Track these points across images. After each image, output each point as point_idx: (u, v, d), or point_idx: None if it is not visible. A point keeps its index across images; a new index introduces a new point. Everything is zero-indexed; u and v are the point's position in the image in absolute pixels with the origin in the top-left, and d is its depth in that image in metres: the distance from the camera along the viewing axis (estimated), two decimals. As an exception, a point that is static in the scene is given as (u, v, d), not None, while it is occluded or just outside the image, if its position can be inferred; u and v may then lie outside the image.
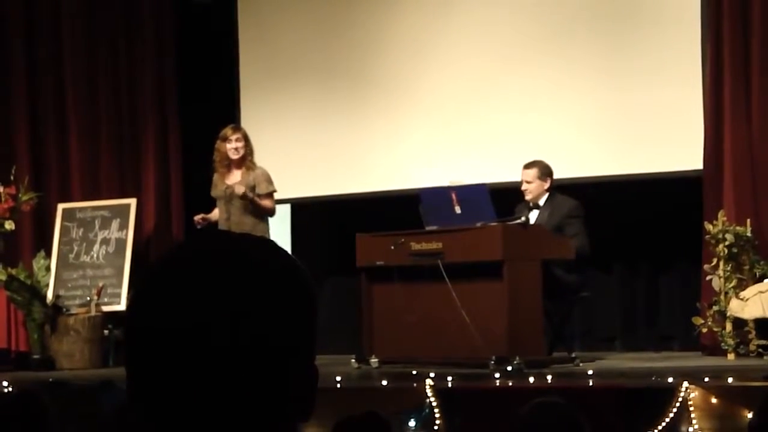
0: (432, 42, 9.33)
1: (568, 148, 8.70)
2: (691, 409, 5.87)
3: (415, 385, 6.49)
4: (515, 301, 7.13)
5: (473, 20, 9.18)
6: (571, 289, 7.70)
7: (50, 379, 7.66)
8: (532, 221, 7.70)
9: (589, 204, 7.97)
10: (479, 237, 7.30)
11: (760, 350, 7.63)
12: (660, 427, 5.86)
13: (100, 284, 9.20)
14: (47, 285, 9.25)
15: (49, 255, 9.47)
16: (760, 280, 7.78)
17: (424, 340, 7.46)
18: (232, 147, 8.38)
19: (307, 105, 9.78)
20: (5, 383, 7.29)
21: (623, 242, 8.83)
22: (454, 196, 7.54)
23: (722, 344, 7.78)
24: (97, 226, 9.54)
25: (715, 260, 7.89)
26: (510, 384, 6.49)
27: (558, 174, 8.10)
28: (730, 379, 6.17)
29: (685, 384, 5.94)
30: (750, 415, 4.52)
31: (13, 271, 9.07)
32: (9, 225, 9.25)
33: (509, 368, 6.88)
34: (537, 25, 8.98)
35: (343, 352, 8.37)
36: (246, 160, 8.42)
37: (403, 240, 7.57)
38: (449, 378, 6.58)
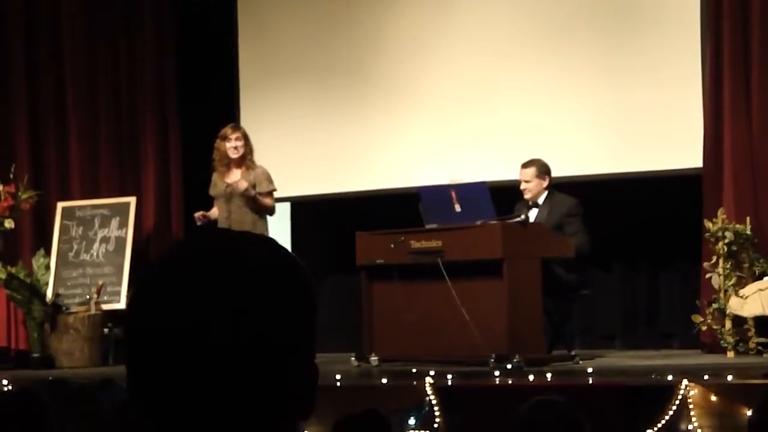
0: (431, 40, 9.33)
1: (568, 147, 8.70)
2: (691, 406, 5.88)
3: (415, 383, 6.50)
4: (515, 299, 7.13)
5: (472, 18, 9.18)
6: (570, 287, 7.71)
7: (50, 378, 7.67)
8: (531, 220, 7.70)
9: (589, 202, 7.97)
10: (479, 235, 7.30)
11: (760, 348, 7.63)
12: (660, 425, 5.86)
13: (100, 282, 9.20)
14: (47, 283, 9.25)
15: (48, 253, 9.48)
16: (760, 277, 7.78)
17: (424, 339, 7.46)
18: (232, 146, 8.39)
19: (306, 104, 9.78)
20: (5, 381, 7.29)
21: (623, 240, 8.83)
22: (453, 195, 7.54)
23: (722, 342, 7.78)
24: (96, 225, 9.54)
25: (714, 258, 7.90)
26: (510, 382, 6.49)
27: (558, 172, 8.10)
28: (729, 377, 6.17)
29: (685, 382, 5.94)
30: (749, 413, 4.53)
31: (13, 270, 9.07)
32: (9, 223, 9.25)
33: (509, 366, 6.88)
34: (536, 23, 8.98)
35: (343, 350, 8.37)
36: (246, 159, 8.43)
37: (402, 238, 7.57)
38: (449, 376, 6.58)
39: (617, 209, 8.72)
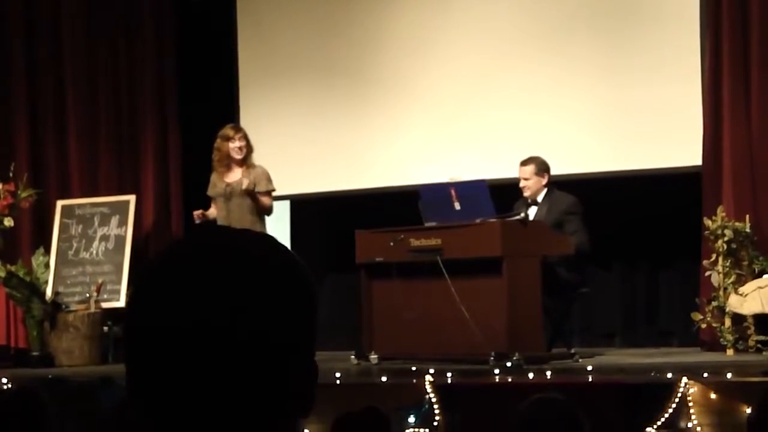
0: (431, 39, 9.33)
1: (568, 145, 8.70)
2: (690, 404, 5.88)
3: (414, 381, 6.50)
4: (514, 297, 7.13)
5: (472, 17, 9.17)
6: (570, 285, 7.71)
7: (49, 376, 7.67)
8: (530, 218, 7.70)
9: (588, 200, 7.97)
10: (478, 233, 7.30)
11: (759, 346, 7.63)
12: (659, 423, 5.87)
13: (100, 281, 9.20)
14: (46, 282, 9.25)
15: (48, 252, 9.47)
16: (759, 275, 7.78)
17: (424, 337, 7.46)
18: (236, 146, 8.41)
19: (306, 102, 9.78)
20: (4, 380, 7.29)
21: (622, 238, 8.83)
22: (453, 193, 7.54)
23: (721, 340, 7.79)
24: (96, 223, 9.54)
25: (714, 256, 7.90)
26: (509, 380, 6.50)
27: (557, 170, 8.10)
28: (729, 375, 6.18)
29: (684, 379, 5.94)
30: (749, 411, 4.52)
31: (13, 268, 9.07)
32: (8, 222, 9.25)
33: (509, 364, 6.88)
34: (536, 21, 8.98)
35: (343, 348, 8.37)
36: (247, 159, 8.46)
37: (402, 236, 7.57)
38: (449, 374, 6.58)
39: (616, 207, 8.71)
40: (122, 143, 10.21)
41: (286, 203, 10.01)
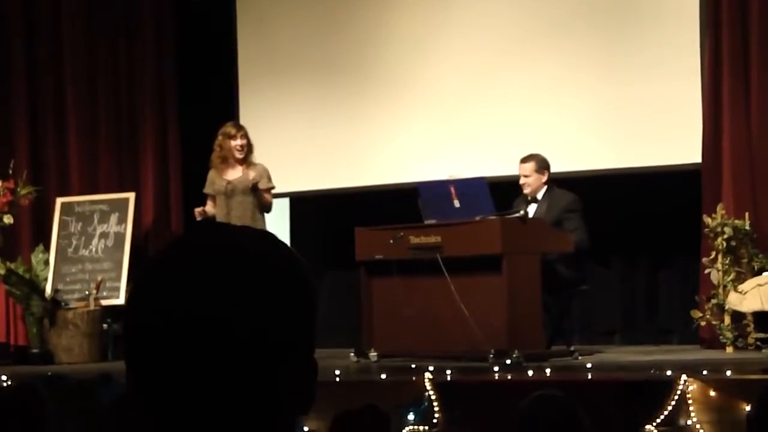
0: (431, 36, 9.32)
1: (567, 142, 8.70)
2: (690, 402, 5.88)
3: (414, 378, 6.50)
4: (514, 294, 7.13)
5: (472, 14, 9.17)
6: (570, 282, 7.71)
7: (49, 373, 7.66)
8: (530, 215, 7.70)
9: (588, 198, 7.97)
10: (478, 231, 7.30)
11: (759, 343, 7.63)
12: (659, 420, 5.87)
13: (99, 278, 9.20)
14: (46, 279, 9.25)
15: (47, 249, 9.47)
16: (759, 273, 7.78)
17: (423, 334, 7.46)
18: (238, 144, 8.42)
19: (305, 100, 9.77)
20: (4, 377, 7.29)
21: (622, 236, 8.83)
22: (453, 190, 7.54)
23: (721, 337, 7.79)
24: (95, 220, 9.54)
25: (713, 253, 7.90)
26: (509, 377, 6.50)
27: (557, 168, 8.10)
28: (728, 372, 6.18)
29: (684, 377, 5.94)
30: (748, 408, 4.53)
31: (12, 265, 9.07)
32: (8, 219, 9.25)
33: (508, 362, 6.88)
34: (536, 19, 8.97)
35: (342, 345, 8.37)
36: (248, 157, 8.48)
37: (402, 234, 7.57)
38: (448, 371, 6.58)
39: (616, 205, 8.72)
40: (122, 141, 10.21)
41: (286, 201, 10.01)
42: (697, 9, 8.44)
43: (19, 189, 9.33)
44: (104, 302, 9.05)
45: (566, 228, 7.71)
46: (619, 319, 9.07)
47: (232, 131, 8.48)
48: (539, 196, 7.96)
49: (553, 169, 8.03)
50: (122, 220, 9.46)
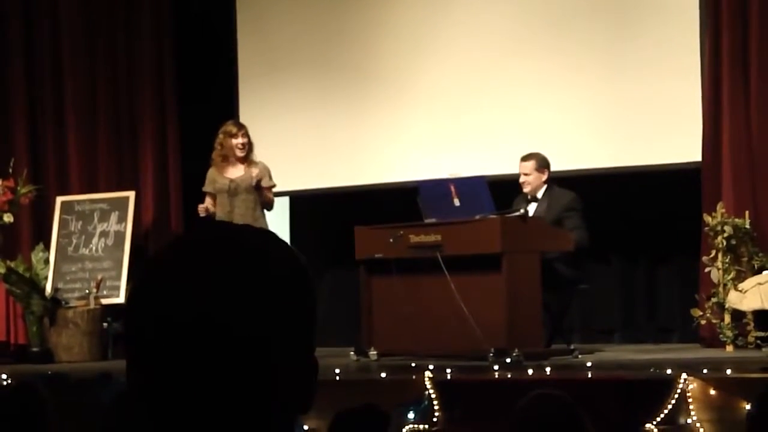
0: (430, 35, 9.32)
1: (567, 141, 8.70)
2: (690, 400, 5.88)
3: (414, 377, 6.50)
4: (514, 293, 7.13)
5: (472, 13, 9.17)
6: (570, 281, 7.71)
7: (49, 372, 7.66)
8: (530, 214, 7.70)
9: (588, 196, 7.97)
10: (478, 229, 7.30)
11: (759, 342, 7.63)
12: (659, 419, 5.87)
13: (99, 277, 9.20)
14: (46, 278, 9.25)
15: (47, 248, 9.47)
16: (759, 271, 7.78)
17: (423, 333, 7.46)
18: (239, 143, 8.43)
19: (305, 98, 9.77)
20: (4, 376, 7.29)
21: (622, 234, 8.83)
22: (453, 189, 7.53)
23: (721, 336, 7.79)
24: (95, 219, 9.54)
25: (713, 252, 7.90)
26: (509, 376, 6.50)
27: (557, 167, 8.10)
28: (728, 371, 6.18)
29: (684, 376, 5.94)
30: (748, 407, 4.53)
31: (12, 264, 9.07)
32: (8, 218, 9.25)
33: (508, 360, 6.88)
34: (536, 17, 8.97)
35: (342, 344, 8.37)
36: (248, 155, 8.49)
37: (402, 232, 7.57)
38: (448, 370, 6.58)
39: (616, 203, 8.72)
40: (122, 139, 10.21)
41: (286, 199, 10.01)
42: (697, 8, 8.43)
43: (19, 188, 9.33)
44: (104, 301, 9.05)
45: (566, 227, 7.71)
46: (619, 317, 9.07)
47: (234, 130, 8.48)
48: (539, 194, 7.95)
49: (553, 167, 8.03)
50: (122, 219, 9.46)
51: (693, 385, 5.91)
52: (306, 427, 6.10)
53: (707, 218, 7.93)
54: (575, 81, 8.79)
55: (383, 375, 6.71)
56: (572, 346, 7.65)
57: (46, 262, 9.35)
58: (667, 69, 8.48)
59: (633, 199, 8.76)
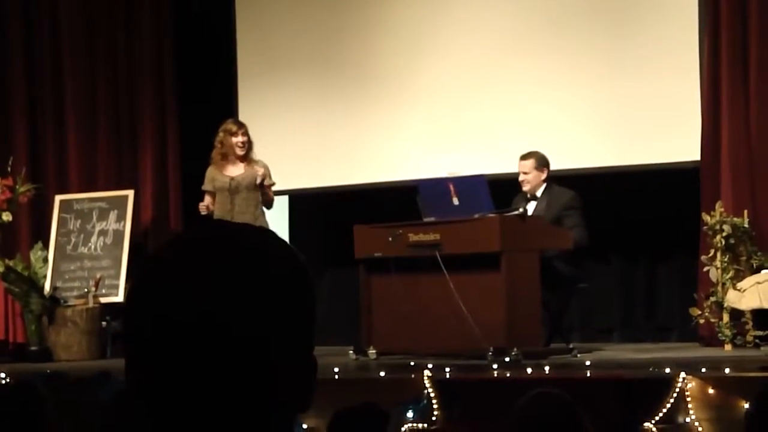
0: (430, 33, 9.32)
1: (567, 140, 8.70)
2: (689, 399, 5.88)
3: (413, 376, 6.50)
4: (513, 292, 7.13)
5: (471, 12, 9.16)
6: (569, 280, 7.71)
7: (48, 371, 7.66)
8: (529, 212, 7.70)
9: (587, 195, 7.97)
10: (477, 228, 7.30)
11: (757, 341, 7.63)
12: (657, 418, 5.87)
13: (98, 275, 9.20)
14: (45, 276, 9.25)
15: (46, 246, 9.47)
16: (758, 271, 7.78)
17: (422, 332, 7.46)
18: (239, 141, 8.44)
19: (305, 97, 9.77)
20: (3, 374, 7.29)
21: (621, 233, 8.83)
22: (452, 188, 7.53)
23: (719, 335, 7.79)
24: (94, 218, 9.54)
25: (712, 251, 7.90)
26: (508, 375, 6.50)
27: (556, 165, 8.10)
28: (727, 370, 6.18)
29: (683, 375, 5.95)
30: (747, 406, 4.53)
31: (11, 263, 9.07)
32: (6, 216, 9.25)
33: (507, 359, 6.88)
34: (536, 16, 8.97)
35: (341, 343, 8.38)
36: (248, 154, 8.49)
37: (401, 231, 7.57)
38: (447, 369, 6.58)
39: (615, 202, 8.72)
40: (121, 138, 10.21)
41: (285, 198, 10.01)
42: (696, 6, 8.43)
43: (17, 186, 9.33)
44: (103, 300, 9.05)
45: (565, 225, 7.71)
46: (618, 316, 9.07)
47: (234, 128, 8.48)
48: (538, 193, 7.96)
49: (553, 166, 8.03)
50: (121, 218, 9.46)
51: (692, 384, 5.91)
52: (305, 426, 6.10)
53: (706, 217, 7.93)
54: (574, 79, 8.79)
55: (382, 374, 6.72)
56: (571, 345, 7.65)
57: (45, 260, 9.35)
58: (667, 67, 8.48)
59: (632, 197, 8.76)
